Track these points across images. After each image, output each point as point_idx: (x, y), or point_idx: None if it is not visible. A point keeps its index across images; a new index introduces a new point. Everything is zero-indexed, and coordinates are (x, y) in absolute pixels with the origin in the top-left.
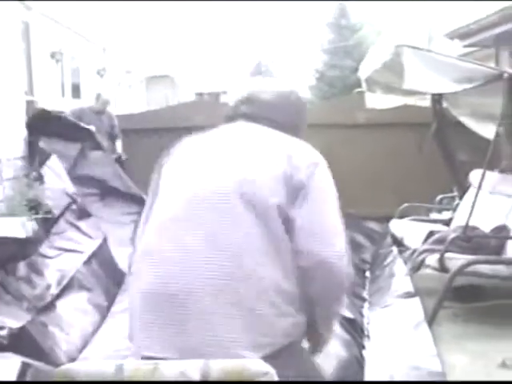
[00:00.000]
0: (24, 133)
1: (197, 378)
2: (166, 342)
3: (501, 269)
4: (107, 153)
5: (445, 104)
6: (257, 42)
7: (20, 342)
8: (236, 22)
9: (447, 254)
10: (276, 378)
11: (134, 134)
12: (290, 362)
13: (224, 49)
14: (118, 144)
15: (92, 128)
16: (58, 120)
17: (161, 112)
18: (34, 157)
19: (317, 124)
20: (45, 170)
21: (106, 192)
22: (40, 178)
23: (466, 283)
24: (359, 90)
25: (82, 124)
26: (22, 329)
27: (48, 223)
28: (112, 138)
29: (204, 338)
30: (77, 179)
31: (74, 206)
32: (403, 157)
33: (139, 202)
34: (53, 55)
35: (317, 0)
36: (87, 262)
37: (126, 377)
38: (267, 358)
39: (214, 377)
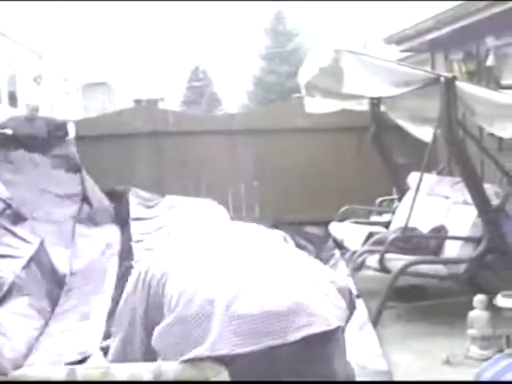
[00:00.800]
0: None
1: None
2: None
3: (440, 268)
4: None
5: (382, 108)
6: (194, 48)
7: None
8: (173, 27)
9: (387, 255)
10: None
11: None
12: None
13: (161, 54)
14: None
15: (7, 131)
16: None
17: (98, 119)
18: None
19: (256, 129)
20: None
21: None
22: None
23: (406, 283)
24: (298, 95)
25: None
26: None
27: None
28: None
29: None
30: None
31: (8, 211)
32: (342, 161)
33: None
34: None
35: (253, 0)
36: (26, 267)
37: (77, 380)
38: None
39: (166, 379)
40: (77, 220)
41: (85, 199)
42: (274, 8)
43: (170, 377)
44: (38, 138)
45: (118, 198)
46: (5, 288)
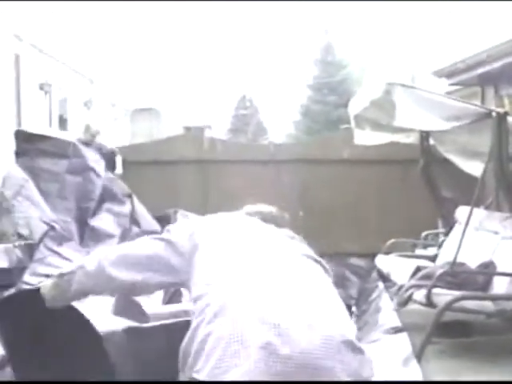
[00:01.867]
0: (13, 162)
1: None
2: None
3: (487, 305)
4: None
5: (431, 141)
6: (241, 76)
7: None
8: (222, 55)
9: (434, 290)
10: None
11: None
12: None
13: (208, 82)
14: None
15: (75, 141)
16: (41, 138)
17: (146, 145)
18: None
19: (302, 159)
20: (19, 200)
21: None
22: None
23: (452, 319)
24: (346, 126)
25: (64, 138)
26: None
27: (29, 251)
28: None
29: None
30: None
31: (51, 233)
32: (388, 193)
33: None
34: (41, 86)
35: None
36: None
37: None
38: None
39: None
40: (126, 240)
41: (133, 221)
42: (324, 39)
43: None
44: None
45: (166, 221)
46: None
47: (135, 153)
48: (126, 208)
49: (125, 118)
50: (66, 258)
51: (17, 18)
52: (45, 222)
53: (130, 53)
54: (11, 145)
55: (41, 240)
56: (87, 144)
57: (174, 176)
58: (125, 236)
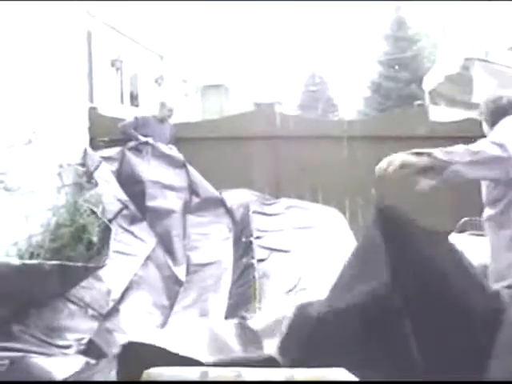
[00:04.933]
0: (86, 139)
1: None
2: None
3: None
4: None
5: None
6: (312, 52)
7: (88, 352)
8: (292, 32)
9: None
10: None
11: (190, 142)
12: None
13: (279, 58)
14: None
15: (150, 140)
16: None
17: (218, 121)
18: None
19: (375, 136)
20: (94, 178)
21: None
22: (96, 184)
23: None
24: (419, 102)
25: (140, 136)
26: (90, 342)
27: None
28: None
29: None
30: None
31: (125, 212)
32: None
33: None
34: (113, 63)
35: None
36: (144, 265)
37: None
38: None
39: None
40: (187, 211)
41: (192, 191)
42: (395, 13)
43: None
44: (160, 140)
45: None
46: (124, 285)
47: (207, 129)
48: (181, 179)
49: (195, 95)
50: (139, 237)
51: None
52: (119, 201)
53: (200, 29)
54: (84, 121)
55: (115, 217)
56: (163, 121)
57: (246, 153)
58: (186, 208)
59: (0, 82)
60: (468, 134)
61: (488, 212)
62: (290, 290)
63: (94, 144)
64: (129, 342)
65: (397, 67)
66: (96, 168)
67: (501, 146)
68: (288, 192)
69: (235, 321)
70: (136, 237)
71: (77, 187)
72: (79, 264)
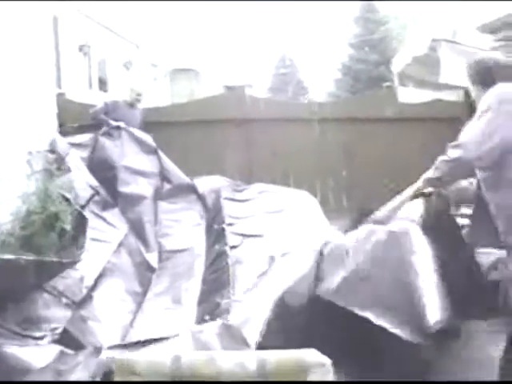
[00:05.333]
0: (55, 125)
1: (253, 368)
2: None
3: None
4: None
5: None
6: (281, 35)
7: (63, 342)
8: (260, 15)
9: None
10: (331, 369)
11: (160, 126)
12: None
13: (248, 41)
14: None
15: (121, 124)
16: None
17: (187, 105)
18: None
19: (345, 118)
20: (64, 164)
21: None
22: (68, 170)
23: None
24: (388, 84)
25: (111, 121)
26: (64, 331)
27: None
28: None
29: None
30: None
31: (96, 198)
32: (431, 152)
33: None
34: (80, 48)
35: None
36: (116, 251)
37: (182, 368)
38: None
39: (269, 368)
40: (158, 197)
41: (163, 178)
42: None
43: (272, 366)
44: (131, 124)
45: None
46: (98, 272)
47: (176, 113)
48: (153, 165)
49: (165, 79)
50: (111, 224)
51: None
52: (90, 187)
53: (169, 12)
54: (52, 107)
55: (87, 203)
56: (132, 106)
57: (216, 136)
58: (157, 194)
59: None
60: (436, 115)
61: None
62: (263, 273)
63: (64, 130)
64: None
65: (366, 49)
66: (66, 154)
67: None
68: (260, 176)
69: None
70: (108, 223)
71: (47, 174)
72: (55, 259)
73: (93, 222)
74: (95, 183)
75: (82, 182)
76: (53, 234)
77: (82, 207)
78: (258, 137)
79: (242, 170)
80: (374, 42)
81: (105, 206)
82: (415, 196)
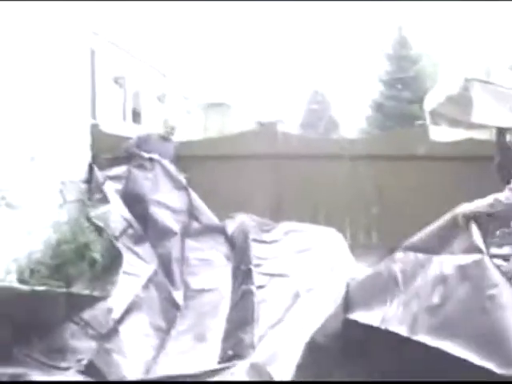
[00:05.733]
0: (88, 156)
1: None
2: None
3: None
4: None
5: (508, 137)
6: (312, 71)
7: (87, 372)
8: (294, 51)
9: None
10: None
11: (192, 161)
12: None
13: (280, 77)
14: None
15: (155, 156)
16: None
17: (219, 139)
18: (93, 180)
19: (376, 155)
20: (98, 195)
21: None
22: (106, 201)
23: None
24: (420, 122)
25: (145, 153)
26: (90, 363)
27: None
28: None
29: None
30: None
31: (130, 231)
32: (463, 190)
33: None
34: (116, 80)
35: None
36: (145, 286)
37: None
38: None
39: None
40: (186, 234)
41: (192, 216)
42: (396, 33)
43: None
44: (163, 158)
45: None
46: (125, 305)
47: (208, 147)
48: (182, 202)
49: (197, 112)
50: (142, 258)
51: (92, 14)
52: (125, 219)
53: (202, 47)
54: (86, 138)
55: (121, 236)
56: (165, 139)
57: (246, 172)
58: (185, 232)
59: (4, 99)
60: (468, 153)
61: None
62: (288, 309)
63: (97, 161)
64: None
65: (399, 86)
66: (102, 186)
67: None
68: (289, 211)
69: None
70: (139, 257)
71: (80, 204)
72: (86, 293)
73: (125, 255)
74: (128, 216)
75: (116, 214)
76: (83, 264)
77: (116, 239)
78: (289, 173)
79: (271, 204)
80: (406, 79)
81: (137, 240)
82: (455, 223)
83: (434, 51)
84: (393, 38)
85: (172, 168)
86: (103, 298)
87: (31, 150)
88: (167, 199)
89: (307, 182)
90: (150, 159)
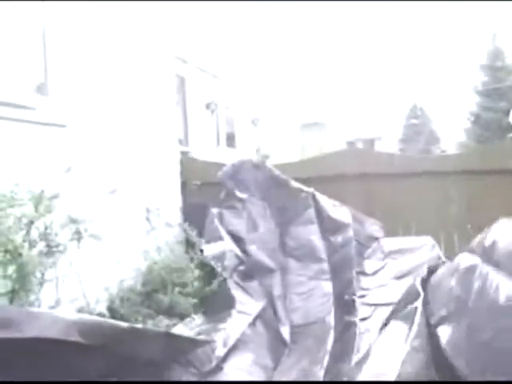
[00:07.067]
0: (177, 183)
1: None
2: None
3: None
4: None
5: None
6: (410, 84)
7: None
8: (388, 66)
9: None
10: None
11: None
12: None
13: (378, 92)
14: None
15: (244, 196)
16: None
17: (310, 161)
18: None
19: (470, 170)
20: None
21: None
22: (219, 239)
23: None
24: None
25: (239, 194)
26: None
27: None
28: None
29: None
30: None
31: (240, 267)
32: None
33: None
34: (208, 106)
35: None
36: (252, 324)
37: None
38: None
39: None
40: (285, 270)
41: (289, 250)
42: (492, 43)
43: None
44: (257, 186)
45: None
46: (230, 343)
47: (301, 169)
48: (275, 238)
49: (294, 133)
50: (251, 295)
51: (180, 41)
52: (236, 256)
53: (294, 68)
54: (176, 165)
55: (231, 274)
56: (258, 166)
57: (337, 192)
58: (283, 267)
59: (96, 129)
60: None
61: None
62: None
63: (188, 187)
64: None
65: (495, 97)
66: (213, 221)
67: None
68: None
69: None
70: (248, 294)
71: (172, 230)
72: (186, 335)
73: (235, 293)
74: (239, 253)
75: (228, 250)
76: (175, 292)
77: (230, 276)
78: (380, 193)
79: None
80: (503, 90)
81: (246, 277)
82: None
83: None
84: (487, 48)
85: (262, 205)
86: (206, 342)
87: (114, 182)
88: (262, 237)
89: (399, 200)
90: (241, 199)
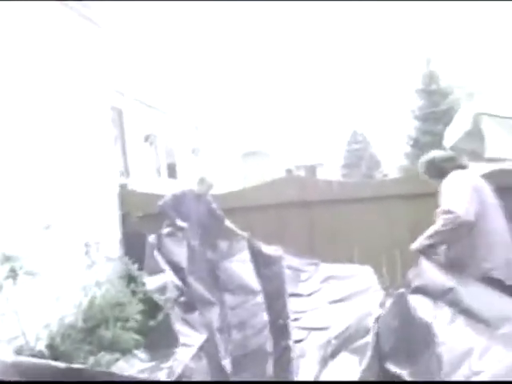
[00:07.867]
0: (116, 215)
1: None
2: None
3: None
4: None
5: None
6: (350, 110)
7: None
8: (327, 92)
9: None
10: None
11: (231, 213)
12: None
13: (317, 119)
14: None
15: (184, 225)
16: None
17: (253, 189)
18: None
19: (408, 194)
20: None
21: None
22: (161, 271)
23: None
24: None
25: (179, 222)
26: None
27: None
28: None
29: None
30: None
31: (181, 299)
32: None
33: None
34: (146, 138)
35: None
36: (196, 355)
37: None
38: None
39: None
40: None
41: (224, 284)
42: (425, 67)
43: None
44: (199, 216)
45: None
46: (173, 378)
47: (240, 198)
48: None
49: (235, 162)
50: (193, 327)
51: (117, 74)
52: (177, 287)
53: (233, 97)
54: (114, 198)
55: (173, 306)
56: (200, 196)
57: (278, 220)
58: (221, 300)
59: (29, 162)
60: (498, 184)
61: None
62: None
63: (127, 220)
64: None
65: (431, 121)
66: (152, 253)
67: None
68: (323, 257)
69: None
70: (190, 325)
71: (113, 264)
72: (127, 374)
73: (176, 324)
74: (180, 284)
75: (169, 280)
76: (117, 328)
77: (171, 309)
78: (321, 219)
79: (304, 252)
80: (438, 113)
81: (187, 309)
82: None
83: (466, 82)
84: (422, 72)
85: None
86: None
87: (48, 217)
88: (200, 268)
89: (340, 226)
90: (181, 228)
